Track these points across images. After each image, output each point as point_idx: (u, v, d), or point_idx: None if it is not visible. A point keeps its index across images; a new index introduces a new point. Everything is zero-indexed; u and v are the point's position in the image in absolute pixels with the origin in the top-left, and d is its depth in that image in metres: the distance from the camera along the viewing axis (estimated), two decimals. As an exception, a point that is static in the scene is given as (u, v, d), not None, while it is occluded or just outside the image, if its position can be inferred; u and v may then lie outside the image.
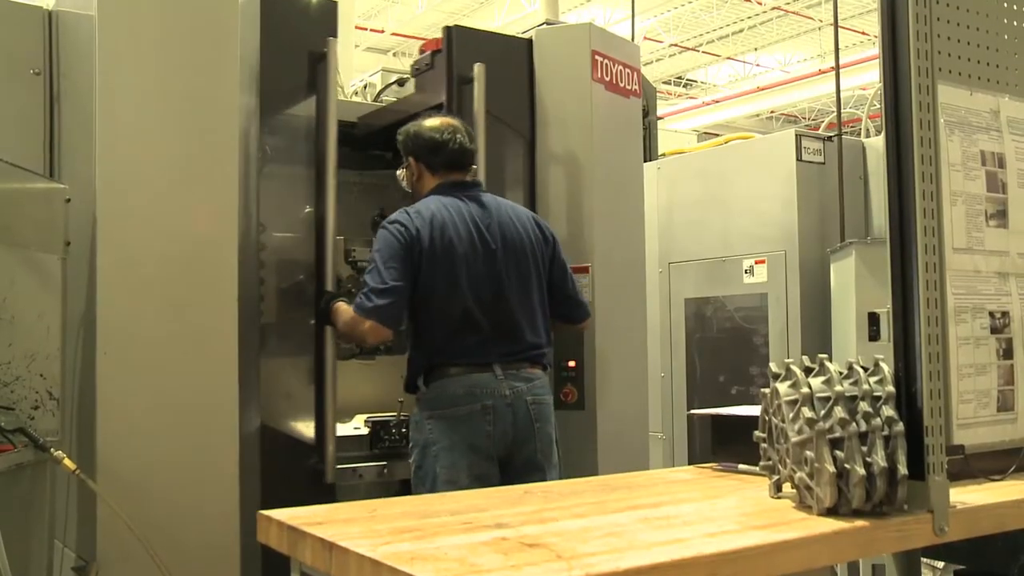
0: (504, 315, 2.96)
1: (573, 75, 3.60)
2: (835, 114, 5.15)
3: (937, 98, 1.68)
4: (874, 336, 3.86)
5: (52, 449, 2.47)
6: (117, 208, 2.68)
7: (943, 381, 1.60)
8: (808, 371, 1.64)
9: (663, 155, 5.64)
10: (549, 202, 3.58)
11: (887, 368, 1.63)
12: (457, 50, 3.45)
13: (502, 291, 2.97)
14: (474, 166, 3.17)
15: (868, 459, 1.53)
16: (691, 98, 19.52)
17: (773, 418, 1.69)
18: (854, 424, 1.55)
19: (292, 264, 3.33)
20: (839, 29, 5.64)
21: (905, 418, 1.58)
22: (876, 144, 4.81)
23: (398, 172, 3.21)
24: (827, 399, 1.58)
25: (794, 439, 1.59)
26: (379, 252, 2.90)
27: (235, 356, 2.79)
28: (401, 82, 3.87)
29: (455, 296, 2.91)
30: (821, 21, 15.74)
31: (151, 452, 2.66)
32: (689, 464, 2.24)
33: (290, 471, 3.11)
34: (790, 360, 1.66)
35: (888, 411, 1.56)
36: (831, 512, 1.55)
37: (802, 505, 1.62)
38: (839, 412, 1.55)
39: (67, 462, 2.46)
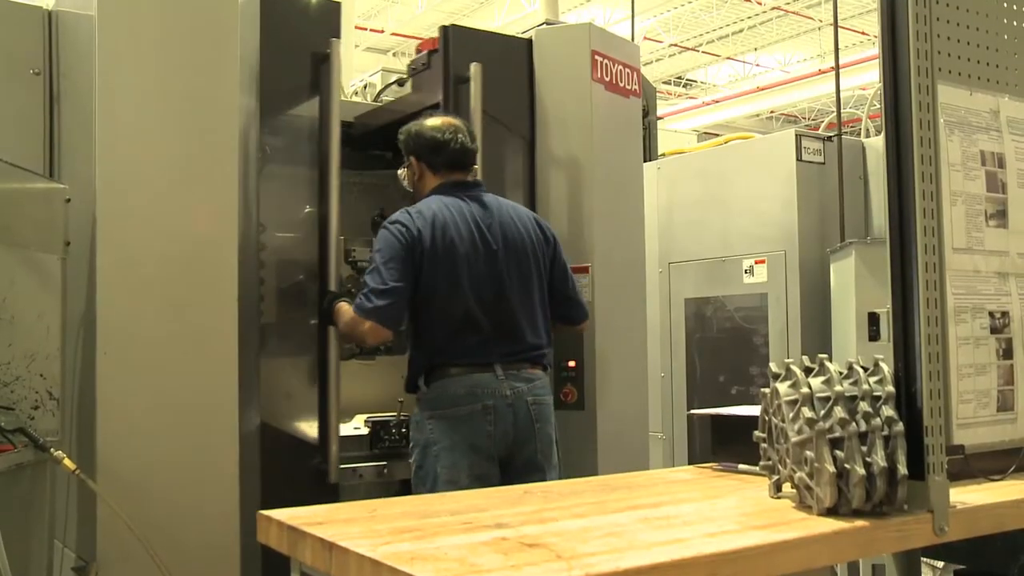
0: (505, 315, 2.96)
1: (573, 75, 3.60)
2: (835, 114, 5.15)
3: (937, 98, 1.68)
4: (874, 336, 3.86)
5: (52, 449, 2.47)
6: (117, 208, 2.68)
7: (943, 381, 1.60)
8: (808, 371, 1.64)
9: (663, 155, 5.65)
10: (549, 202, 3.58)
11: (887, 368, 1.63)
12: (454, 50, 3.45)
13: (503, 291, 2.97)
14: (475, 166, 3.17)
15: (868, 459, 1.53)
16: (691, 98, 19.52)
17: (773, 418, 1.69)
18: (854, 424, 1.55)
19: (292, 264, 3.34)
20: (839, 29, 5.64)
21: (905, 418, 1.58)
22: (876, 144, 4.81)
23: (399, 171, 3.21)
24: (827, 399, 1.58)
25: (794, 439, 1.59)
26: (380, 252, 2.90)
27: (235, 356, 2.79)
28: (401, 82, 3.88)
29: (456, 296, 2.91)
30: (821, 21, 15.74)
31: (151, 452, 2.66)
32: (689, 464, 2.24)
33: (292, 471, 3.12)
34: (790, 360, 1.66)
35: (888, 411, 1.56)
36: (831, 512, 1.55)
37: (802, 505, 1.62)
38: (839, 412, 1.55)
39: (67, 462, 2.46)
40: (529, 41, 3.67)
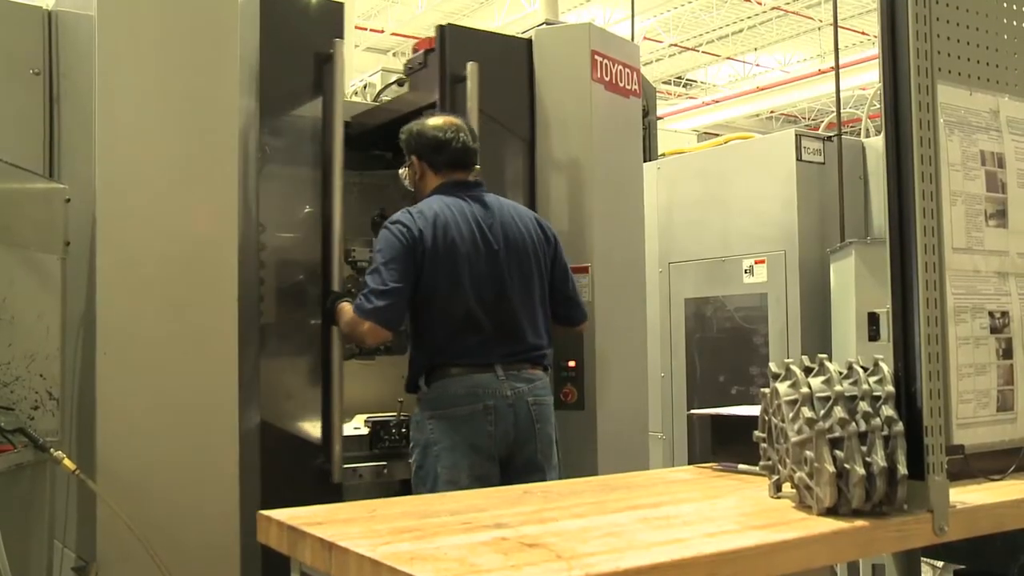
0: (506, 315, 2.96)
1: (573, 75, 3.60)
2: (835, 114, 5.15)
3: (937, 98, 1.68)
4: (874, 336, 3.86)
5: (52, 449, 2.47)
6: (117, 208, 2.68)
7: (943, 381, 1.60)
8: (808, 371, 1.64)
9: (663, 155, 5.64)
10: (549, 202, 3.58)
11: (887, 368, 1.63)
12: (451, 49, 3.44)
13: (504, 291, 2.97)
14: (477, 166, 3.17)
15: (868, 459, 1.53)
16: (691, 98, 19.52)
17: (773, 418, 1.69)
18: (854, 424, 1.55)
19: (292, 264, 3.34)
20: (839, 29, 5.64)
21: (905, 418, 1.58)
22: (876, 144, 4.80)
23: (400, 171, 3.21)
24: (827, 399, 1.58)
25: (794, 439, 1.59)
26: (381, 252, 2.90)
27: (235, 356, 2.79)
28: (401, 82, 3.88)
29: (457, 296, 2.91)
30: (821, 21, 15.74)
31: (151, 452, 2.66)
32: (689, 464, 2.24)
33: (293, 471, 3.12)
34: (790, 360, 1.66)
35: (888, 411, 1.56)
36: (831, 512, 1.55)
37: (802, 505, 1.62)
38: (839, 412, 1.55)
39: (67, 462, 2.46)
40: (529, 41, 3.67)
